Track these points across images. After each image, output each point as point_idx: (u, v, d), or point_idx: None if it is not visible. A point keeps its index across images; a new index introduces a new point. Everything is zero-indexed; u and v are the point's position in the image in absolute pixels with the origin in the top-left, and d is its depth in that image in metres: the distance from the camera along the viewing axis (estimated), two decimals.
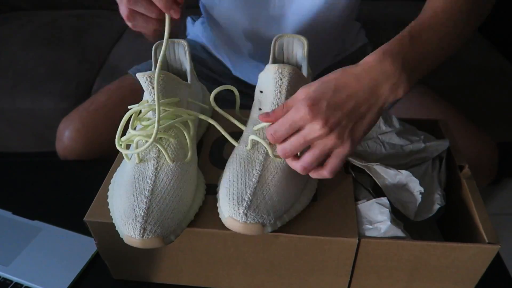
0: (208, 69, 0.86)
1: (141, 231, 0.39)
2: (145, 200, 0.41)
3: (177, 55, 0.55)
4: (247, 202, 0.40)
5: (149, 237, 0.39)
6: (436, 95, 0.79)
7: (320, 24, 0.71)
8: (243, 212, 0.40)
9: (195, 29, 0.92)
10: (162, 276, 0.51)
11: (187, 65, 0.54)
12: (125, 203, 0.41)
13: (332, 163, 0.41)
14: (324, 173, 0.41)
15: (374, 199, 0.45)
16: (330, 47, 0.81)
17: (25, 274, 0.53)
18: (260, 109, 0.47)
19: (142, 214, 0.40)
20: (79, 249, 0.56)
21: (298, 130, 0.40)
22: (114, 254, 0.49)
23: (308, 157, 0.41)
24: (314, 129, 0.39)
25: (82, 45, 1.25)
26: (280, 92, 0.45)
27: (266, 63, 0.51)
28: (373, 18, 1.32)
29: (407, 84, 0.41)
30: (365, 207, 0.45)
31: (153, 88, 0.45)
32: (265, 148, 0.44)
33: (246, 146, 0.45)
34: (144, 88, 0.46)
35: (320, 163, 0.41)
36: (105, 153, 0.76)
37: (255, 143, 0.45)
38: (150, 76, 0.44)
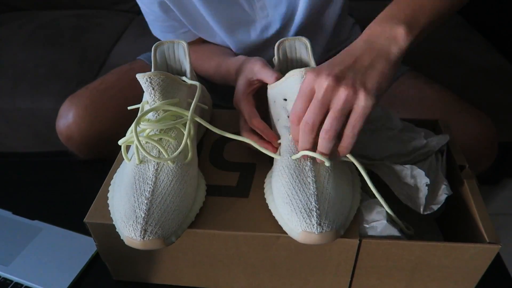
0: None
1: (142, 233, 0.39)
2: (145, 202, 0.41)
3: (177, 55, 0.55)
4: (316, 212, 0.39)
5: (150, 238, 0.39)
6: (428, 78, 0.79)
7: (313, 19, 0.72)
8: (316, 223, 0.39)
9: None
10: (162, 277, 0.51)
11: (186, 65, 0.54)
12: (126, 204, 0.41)
13: (352, 119, 0.40)
14: (348, 133, 0.40)
15: (371, 200, 0.45)
16: (322, 41, 0.81)
17: (25, 274, 0.53)
18: (289, 116, 0.46)
19: (143, 215, 0.40)
20: (79, 249, 0.56)
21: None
22: (114, 255, 0.49)
23: (328, 121, 0.40)
24: (321, 84, 0.39)
25: (82, 45, 1.25)
26: None
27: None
28: (371, 18, 1.32)
29: (404, 28, 0.42)
30: (362, 207, 0.45)
31: (153, 89, 0.45)
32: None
33: (290, 156, 0.44)
34: (144, 89, 0.45)
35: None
36: (111, 135, 0.74)
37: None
38: (150, 77, 0.44)
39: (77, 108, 0.73)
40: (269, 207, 0.44)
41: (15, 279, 0.53)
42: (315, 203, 0.40)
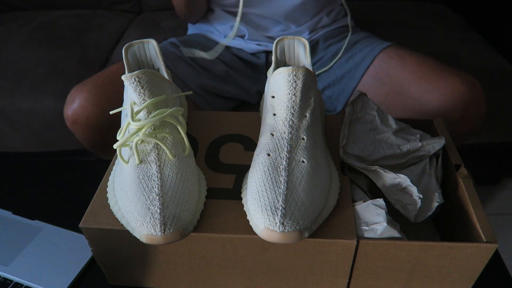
0: (209, 48, 0.93)
1: (162, 227, 0.39)
2: (157, 198, 0.41)
3: (148, 55, 0.56)
4: (281, 211, 0.39)
5: (171, 231, 0.39)
6: (410, 49, 0.86)
7: None
8: (279, 221, 0.39)
9: (195, 27, 1.02)
10: (159, 281, 0.50)
11: (159, 63, 0.55)
12: (137, 204, 0.41)
13: None
14: None
15: (370, 201, 0.45)
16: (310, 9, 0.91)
17: (25, 274, 0.54)
18: (274, 114, 0.47)
19: (159, 211, 0.40)
20: (79, 249, 0.56)
21: None
22: (110, 260, 0.48)
23: None
24: None
25: (82, 45, 1.25)
26: (295, 95, 0.45)
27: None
28: (370, 17, 1.33)
29: None
30: (362, 208, 0.45)
31: (142, 87, 0.45)
32: (286, 153, 0.44)
33: (266, 154, 0.45)
34: (132, 89, 0.46)
35: None
36: (113, 117, 0.77)
37: (275, 150, 0.44)
38: (138, 76, 0.45)
39: (82, 92, 0.77)
40: (242, 202, 0.45)
41: (15, 279, 0.53)
42: (282, 203, 0.40)
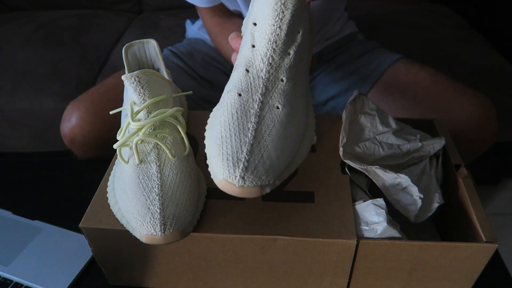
0: (210, 57, 0.92)
1: (162, 227, 0.39)
2: (157, 198, 0.41)
3: (148, 55, 0.56)
4: (243, 164, 0.36)
5: (171, 231, 0.39)
6: (421, 63, 0.82)
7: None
8: (239, 175, 0.35)
9: (195, 27, 0.99)
10: (159, 281, 0.50)
11: (159, 63, 0.55)
12: (137, 204, 0.41)
13: None
14: None
15: (370, 200, 0.45)
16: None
17: (25, 274, 0.54)
18: (253, 46, 0.41)
19: (158, 211, 0.40)
20: (79, 249, 0.56)
21: None
22: (111, 260, 0.48)
23: None
24: None
25: (82, 45, 1.25)
26: (280, 27, 0.39)
27: None
28: (370, 17, 1.33)
29: None
30: (362, 208, 0.45)
31: (142, 87, 0.45)
32: (260, 96, 0.39)
33: (237, 93, 0.39)
34: (132, 89, 0.46)
35: None
36: (109, 135, 0.76)
37: (248, 90, 0.39)
38: (138, 76, 0.45)
39: (79, 111, 0.76)
40: (204, 141, 0.41)
41: (15, 279, 0.53)
42: (246, 154, 0.36)
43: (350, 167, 0.50)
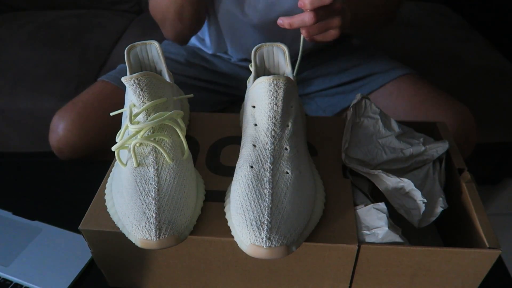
0: (205, 61, 0.92)
1: (157, 232, 0.39)
2: (153, 202, 0.41)
3: (151, 57, 0.55)
4: (267, 226, 0.38)
5: (166, 236, 0.39)
6: (428, 82, 0.83)
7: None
8: (265, 236, 0.38)
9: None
10: (158, 284, 0.50)
11: (161, 65, 0.55)
12: (133, 208, 0.41)
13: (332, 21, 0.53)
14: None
15: (371, 204, 0.45)
16: None
17: (25, 274, 0.53)
18: (256, 125, 0.46)
19: (154, 215, 0.40)
20: (79, 249, 0.56)
21: None
22: (110, 262, 0.48)
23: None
24: None
25: (82, 45, 1.25)
26: (276, 104, 0.44)
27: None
28: None
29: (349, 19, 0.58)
30: (363, 212, 0.44)
31: (141, 90, 0.45)
32: (270, 165, 0.42)
33: (250, 167, 0.43)
34: (131, 91, 0.45)
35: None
36: (99, 144, 0.76)
37: (258, 161, 0.43)
38: (138, 78, 0.44)
39: (64, 122, 0.76)
40: (226, 216, 0.43)
41: (15, 279, 0.53)
42: (267, 216, 0.39)
43: (352, 171, 0.50)
